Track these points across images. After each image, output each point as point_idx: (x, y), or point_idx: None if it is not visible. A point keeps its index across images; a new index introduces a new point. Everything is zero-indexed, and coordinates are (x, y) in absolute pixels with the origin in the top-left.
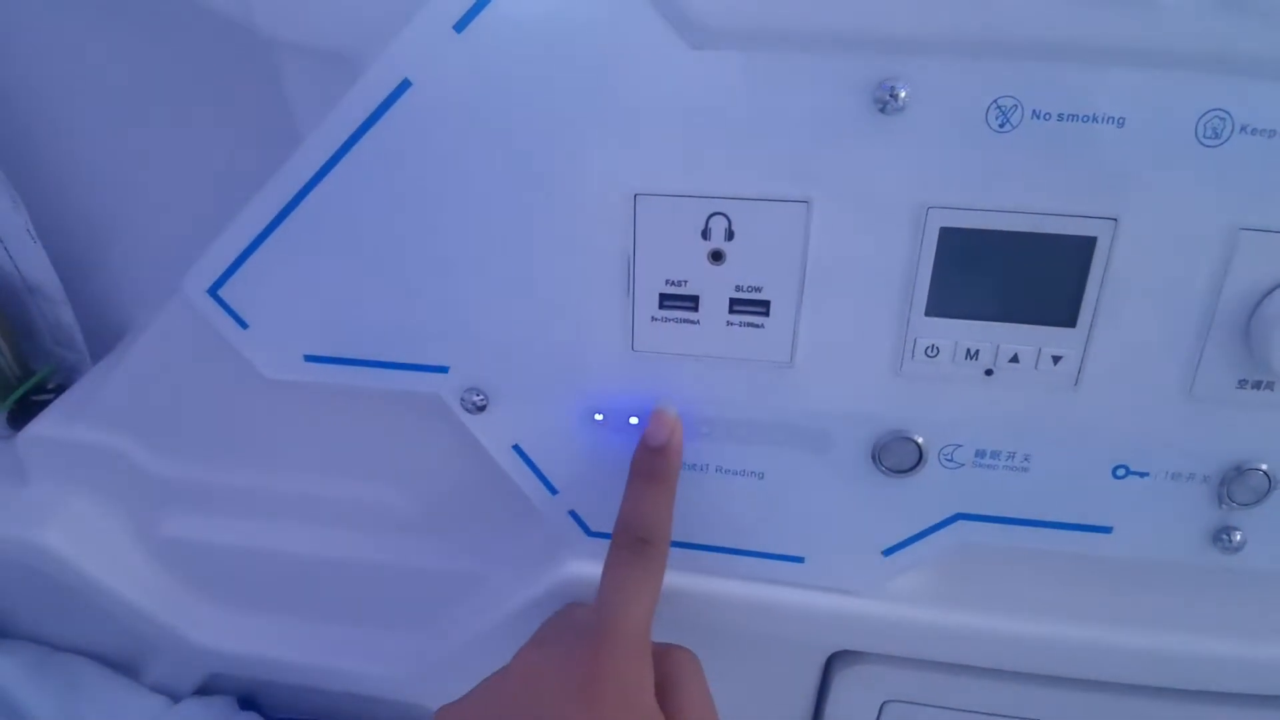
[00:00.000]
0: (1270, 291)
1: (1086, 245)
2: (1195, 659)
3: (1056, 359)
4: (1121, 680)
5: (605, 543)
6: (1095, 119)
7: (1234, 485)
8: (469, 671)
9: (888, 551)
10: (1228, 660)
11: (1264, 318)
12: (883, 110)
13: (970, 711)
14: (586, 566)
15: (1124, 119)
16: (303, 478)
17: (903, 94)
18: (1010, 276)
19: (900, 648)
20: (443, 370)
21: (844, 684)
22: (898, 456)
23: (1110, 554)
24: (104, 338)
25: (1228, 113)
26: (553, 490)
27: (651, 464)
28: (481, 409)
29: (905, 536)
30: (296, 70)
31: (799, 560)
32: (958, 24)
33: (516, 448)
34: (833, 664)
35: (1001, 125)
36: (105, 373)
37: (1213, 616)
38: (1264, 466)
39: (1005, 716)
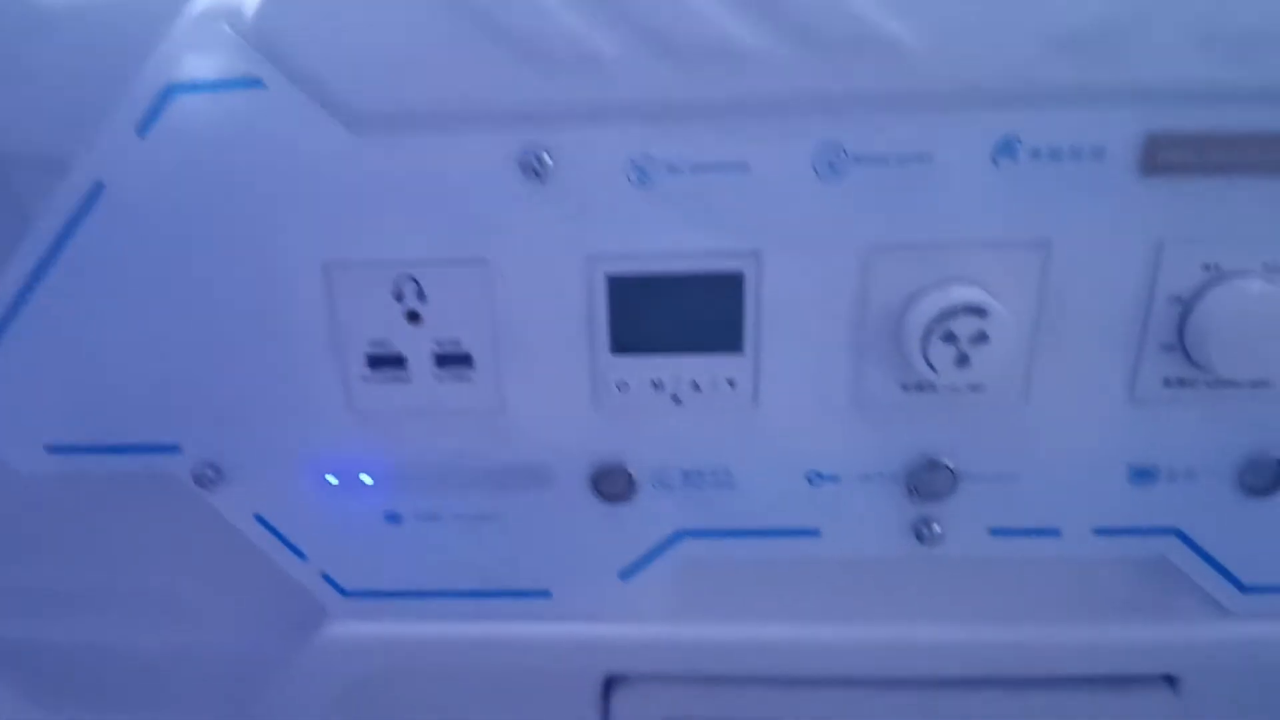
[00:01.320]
0: (912, 299)
1: (736, 279)
2: (925, 647)
3: (732, 383)
4: (868, 675)
5: (364, 602)
6: (721, 167)
7: (920, 481)
8: None
9: (624, 575)
10: (948, 646)
11: (909, 326)
12: (536, 175)
13: None
14: (347, 627)
15: (746, 163)
16: (82, 567)
17: (548, 159)
18: (679, 313)
19: (661, 666)
20: (174, 449)
21: (622, 708)
22: (613, 484)
23: (824, 555)
24: None
25: (843, 147)
26: (301, 556)
27: None
28: (215, 483)
29: (636, 558)
30: (25, 180)
31: (547, 595)
32: (588, 94)
33: (259, 518)
34: (610, 690)
35: (641, 180)
36: None
37: (933, 604)
38: (947, 461)
39: None
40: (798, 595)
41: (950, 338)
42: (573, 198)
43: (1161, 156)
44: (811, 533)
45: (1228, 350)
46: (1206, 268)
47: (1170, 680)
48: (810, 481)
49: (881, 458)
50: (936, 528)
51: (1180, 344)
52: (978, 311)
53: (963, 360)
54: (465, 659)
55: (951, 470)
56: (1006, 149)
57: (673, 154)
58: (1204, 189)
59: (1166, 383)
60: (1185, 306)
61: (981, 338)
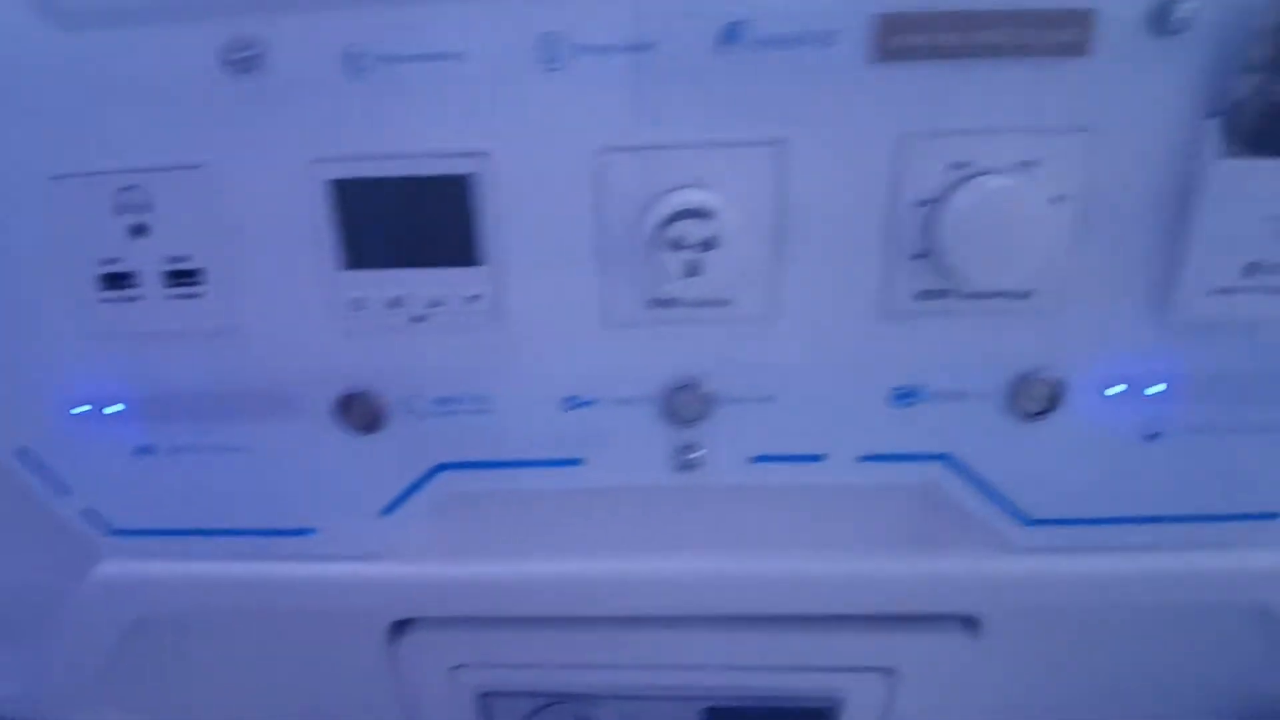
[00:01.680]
0: (647, 204)
1: (464, 183)
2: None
3: (474, 299)
4: (658, 612)
5: (132, 540)
6: (437, 57)
7: (675, 405)
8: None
9: (385, 511)
10: (731, 580)
11: (661, 238)
12: (245, 71)
13: (543, 667)
14: (119, 566)
15: (463, 53)
16: None
17: (257, 51)
18: (408, 222)
19: (443, 609)
20: None
21: (407, 654)
22: (361, 413)
23: (587, 485)
24: None
25: (565, 35)
26: (66, 492)
27: None
28: None
29: (397, 494)
30: None
31: (311, 532)
32: None
33: (20, 451)
34: (396, 635)
35: (355, 74)
36: None
37: (712, 536)
38: (700, 382)
39: (579, 666)
40: (573, 529)
41: (679, 245)
42: (286, 95)
43: (894, 40)
44: (574, 462)
45: (976, 256)
46: (954, 166)
47: (970, 622)
48: (568, 407)
49: (637, 380)
50: (697, 454)
51: (931, 251)
52: (702, 215)
53: (694, 269)
54: (239, 600)
55: (705, 392)
56: (732, 35)
57: (386, 44)
58: (945, 77)
59: (921, 295)
60: (933, 209)
61: (710, 244)
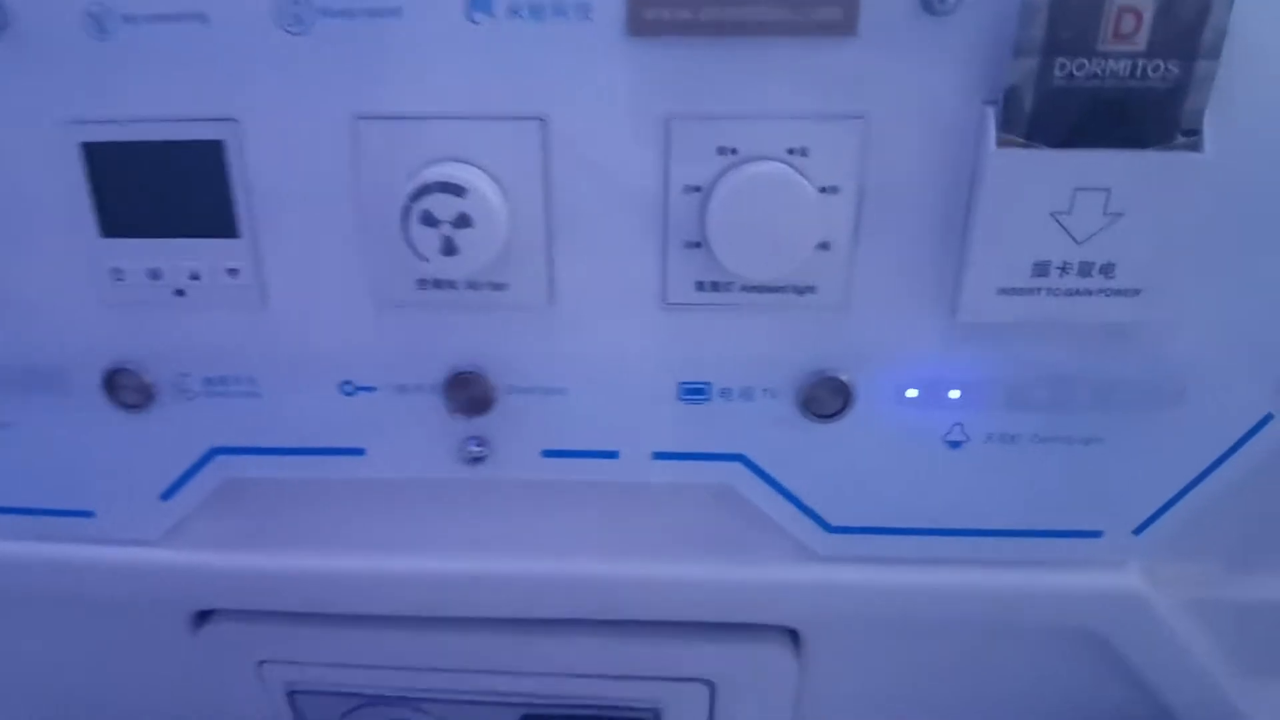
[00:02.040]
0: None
1: (216, 149)
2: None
3: (233, 272)
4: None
5: None
6: (179, 17)
7: (456, 393)
8: None
9: (165, 495)
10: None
11: (412, 213)
12: None
13: (353, 666)
14: None
15: (205, 14)
16: None
17: None
18: (165, 189)
19: (238, 601)
20: None
21: (208, 646)
22: (129, 391)
23: (372, 475)
24: None
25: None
26: None
27: None
28: None
29: (175, 477)
30: None
31: (89, 514)
32: None
33: None
34: (197, 626)
35: (100, 33)
36: None
37: (509, 535)
38: (481, 371)
39: (391, 667)
40: (361, 522)
41: (430, 221)
42: (36, 55)
43: (649, 14)
44: (356, 451)
45: (742, 247)
46: (722, 151)
47: (793, 634)
48: (345, 393)
49: (416, 367)
50: (480, 447)
51: (702, 241)
52: (453, 190)
53: (450, 247)
54: (21, 582)
55: (489, 381)
56: (482, 3)
57: (128, 3)
58: (710, 56)
59: (700, 286)
60: (705, 196)
61: (464, 221)
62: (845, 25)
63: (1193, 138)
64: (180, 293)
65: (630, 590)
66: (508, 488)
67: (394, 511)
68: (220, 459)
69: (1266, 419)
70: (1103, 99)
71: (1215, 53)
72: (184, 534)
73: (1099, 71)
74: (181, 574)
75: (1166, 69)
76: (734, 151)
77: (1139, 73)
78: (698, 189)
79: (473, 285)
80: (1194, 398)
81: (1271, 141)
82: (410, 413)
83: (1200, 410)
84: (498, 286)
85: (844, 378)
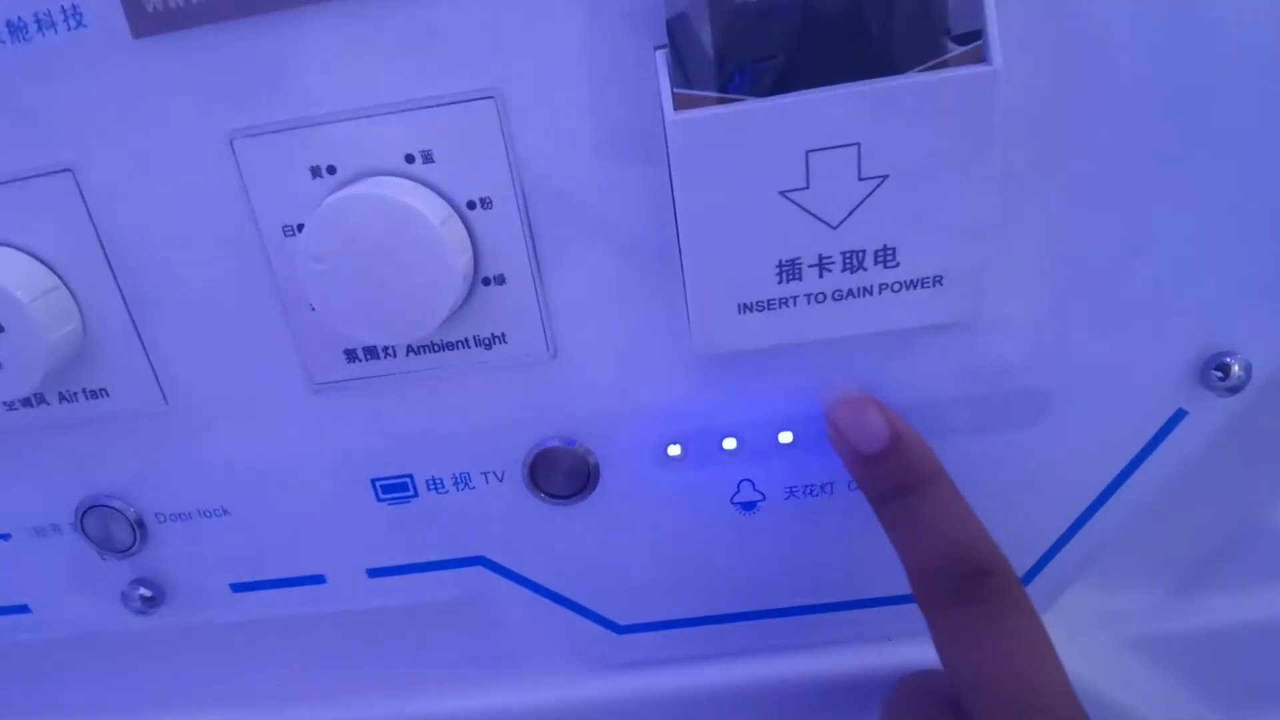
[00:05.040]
0: None
1: None
2: None
3: None
4: None
5: None
6: None
7: (95, 528)
8: None
9: None
10: None
11: None
12: None
13: None
14: None
15: None
16: None
17: None
18: None
19: None
20: None
21: None
22: None
23: (40, 637)
24: None
25: None
26: None
27: (889, 473)
28: None
29: None
30: None
31: None
32: None
33: None
34: None
35: None
36: None
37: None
38: (120, 499)
39: None
40: (51, 694)
41: None
42: None
43: (150, 5)
44: (20, 609)
45: (357, 302)
46: (316, 172)
47: None
48: None
49: (45, 506)
50: (149, 591)
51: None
52: None
53: None
54: None
55: (126, 511)
56: None
57: None
58: (260, 47)
59: (350, 356)
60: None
61: None
62: None
63: (972, 44)
64: None
65: None
66: (212, 634)
67: (73, 677)
68: None
69: (1178, 416)
70: (821, 11)
71: None
72: None
73: None
74: None
75: None
76: (331, 170)
77: None
78: (300, 227)
79: (65, 397)
80: (1062, 407)
81: (1093, 19)
82: (58, 559)
83: (1077, 420)
84: (95, 394)
85: (574, 444)
